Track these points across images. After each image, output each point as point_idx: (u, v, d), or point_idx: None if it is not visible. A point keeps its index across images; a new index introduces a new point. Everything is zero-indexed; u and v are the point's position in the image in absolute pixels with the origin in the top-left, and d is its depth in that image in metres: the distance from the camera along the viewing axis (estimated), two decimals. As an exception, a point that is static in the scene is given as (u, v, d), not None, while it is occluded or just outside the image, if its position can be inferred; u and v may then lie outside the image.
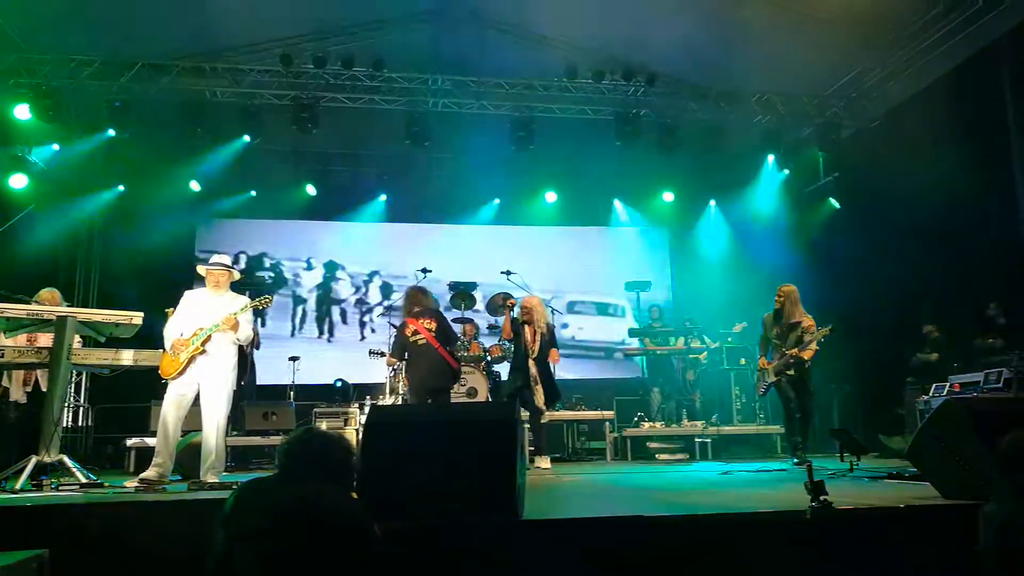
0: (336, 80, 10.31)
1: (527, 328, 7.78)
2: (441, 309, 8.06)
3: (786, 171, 11.98)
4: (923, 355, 9.00)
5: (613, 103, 10.95)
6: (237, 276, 6.05)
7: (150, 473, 5.30)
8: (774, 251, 11.58)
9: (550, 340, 7.99)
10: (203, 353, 5.48)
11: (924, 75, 9.77)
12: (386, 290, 12.61)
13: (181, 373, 5.46)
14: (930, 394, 8.38)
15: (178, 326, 5.63)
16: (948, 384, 8.06)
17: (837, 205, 11.28)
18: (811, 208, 11.73)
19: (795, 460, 7.25)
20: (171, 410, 5.46)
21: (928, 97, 9.63)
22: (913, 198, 9.10)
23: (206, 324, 5.54)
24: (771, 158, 11.95)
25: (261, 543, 2.42)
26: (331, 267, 12.69)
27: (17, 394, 6.64)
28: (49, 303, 6.38)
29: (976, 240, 8.52)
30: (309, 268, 12.57)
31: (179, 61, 9.89)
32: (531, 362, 7.68)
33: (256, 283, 10.79)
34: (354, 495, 2.94)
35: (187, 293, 5.86)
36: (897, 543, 3.44)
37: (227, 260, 5.90)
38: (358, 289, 12.66)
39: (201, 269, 5.85)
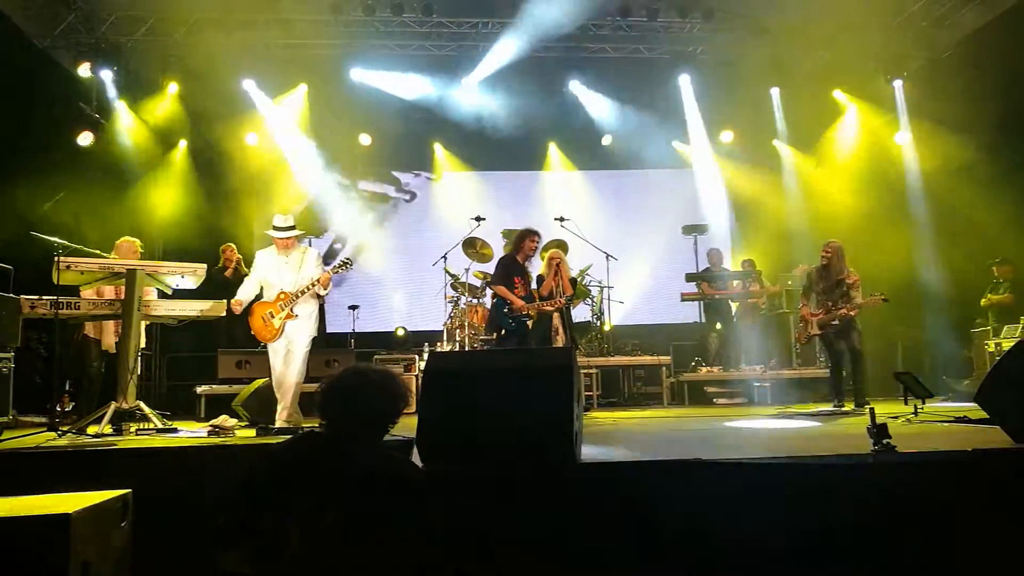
0: (386, 27, 10.24)
1: (558, 278, 7.75)
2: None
3: (852, 106, 11.52)
4: (994, 295, 8.68)
5: (669, 41, 10.63)
6: (302, 233, 6.26)
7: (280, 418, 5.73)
8: (839, 190, 11.23)
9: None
10: (294, 317, 5.78)
11: (1003, -1, 9.18)
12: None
13: (278, 336, 5.78)
14: (1001, 336, 8.13)
15: (255, 286, 5.93)
16: (1022, 325, 7.81)
17: (905, 140, 10.83)
18: (878, 144, 11.28)
19: (835, 402, 7.34)
20: (279, 365, 5.81)
21: (1007, 23, 9.04)
22: (986, 133, 8.66)
23: (287, 286, 5.80)
24: (835, 93, 11.50)
25: (301, 519, 2.46)
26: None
27: (109, 341, 6.88)
28: (127, 251, 6.60)
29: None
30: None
31: (232, 14, 9.94)
32: (557, 314, 7.74)
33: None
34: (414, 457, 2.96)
35: (259, 254, 6.09)
36: (965, 488, 3.37)
37: (291, 222, 6.02)
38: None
39: (271, 233, 5.99)
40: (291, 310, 5.76)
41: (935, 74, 10.26)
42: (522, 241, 7.35)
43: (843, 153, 11.60)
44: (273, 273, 5.90)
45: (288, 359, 5.83)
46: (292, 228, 5.96)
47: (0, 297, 6.16)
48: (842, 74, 11.05)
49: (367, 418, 2.72)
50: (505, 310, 7.16)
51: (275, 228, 5.93)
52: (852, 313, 7.21)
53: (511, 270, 7.30)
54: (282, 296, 5.78)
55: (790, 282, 10.12)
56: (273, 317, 5.77)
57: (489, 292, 9.53)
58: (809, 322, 7.56)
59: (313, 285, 5.78)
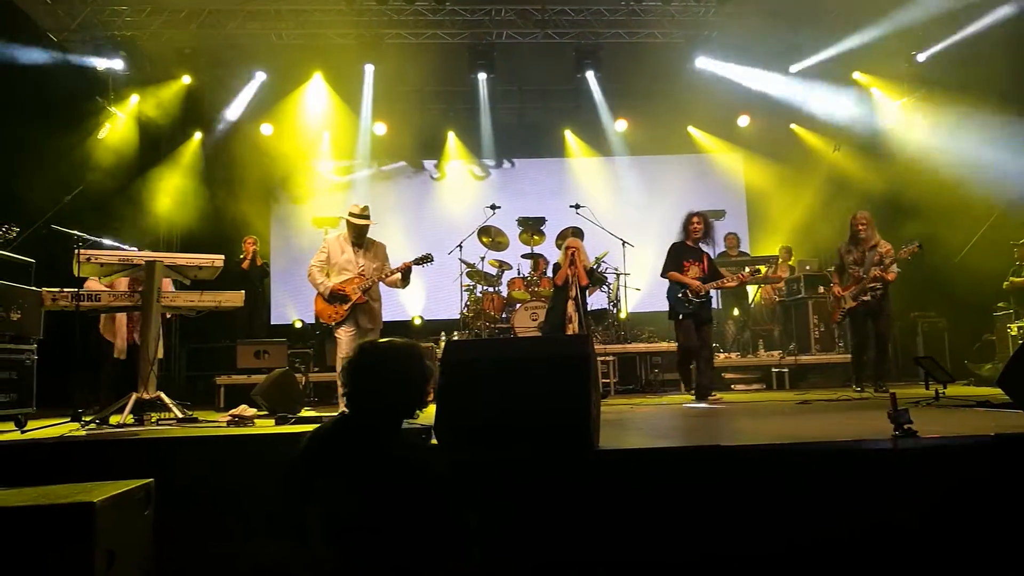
0: (399, 16, 10.21)
1: (574, 268, 7.84)
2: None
3: (872, 88, 11.37)
4: (1017, 278, 8.56)
5: (683, 25, 10.52)
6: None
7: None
8: (858, 173, 11.10)
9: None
10: (364, 301, 5.93)
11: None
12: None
13: (345, 318, 5.93)
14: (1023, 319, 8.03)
15: (324, 271, 6.04)
16: (1045, 307, 7.71)
17: (925, 122, 10.67)
18: (899, 126, 11.12)
19: (857, 388, 7.33)
20: (347, 350, 5.87)
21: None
22: (1011, 114, 8.51)
23: (364, 271, 5.96)
24: (855, 75, 11.35)
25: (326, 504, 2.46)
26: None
27: (121, 345, 7.03)
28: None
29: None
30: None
31: (244, 5, 9.95)
32: (571, 302, 7.78)
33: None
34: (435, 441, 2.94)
35: (328, 239, 6.19)
36: (987, 473, 3.33)
37: (369, 211, 6.12)
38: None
39: (350, 219, 6.07)
40: (364, 293, 5.92)
41: (959, 55, 10.07)
42: (688, 225, 7.31)
43: (861, 135, 11.45)
44: (346, 258, 6.03)
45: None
46: (368, 216, 6.09)
47: (22, 289, 6.22)
48: (861, 55, 10.87)
49: (393, 395, 2.66)
50: (679, 295, 7.06)
51: (352, 215, 6.05)
52: (889, 277, 7.10)
53: (680, 255, 7.24)
54: (357, 280, 5.94)
55: (808, 267, 10.04)
56: (345, 300, 5.90)
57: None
58: (843, 297, 7.48)
59: (394, 272, 6.00)
